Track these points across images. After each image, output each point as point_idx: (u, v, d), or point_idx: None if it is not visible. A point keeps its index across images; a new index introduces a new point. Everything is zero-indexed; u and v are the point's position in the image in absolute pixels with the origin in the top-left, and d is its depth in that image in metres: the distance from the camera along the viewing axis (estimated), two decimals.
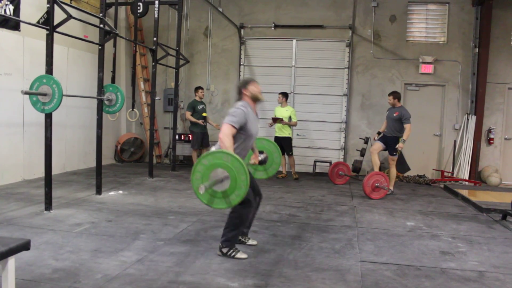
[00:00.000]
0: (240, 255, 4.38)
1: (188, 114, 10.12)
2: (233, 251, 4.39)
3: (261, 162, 4.76)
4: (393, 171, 8.63)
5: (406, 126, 8.17)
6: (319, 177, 10.53)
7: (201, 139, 10.09)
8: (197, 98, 10.18)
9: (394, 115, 8.32)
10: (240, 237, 4.78)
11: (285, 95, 9.99)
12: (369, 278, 3.98)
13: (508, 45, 10.65)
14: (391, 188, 8.47)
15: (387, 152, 8.62)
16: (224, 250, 4.40)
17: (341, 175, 9.62)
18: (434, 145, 11.18)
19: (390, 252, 4.79)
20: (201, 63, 11.86)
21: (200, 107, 10.13)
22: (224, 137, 4.13)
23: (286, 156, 9.99)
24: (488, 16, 10.38)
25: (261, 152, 4.85)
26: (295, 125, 9.91)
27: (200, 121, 10.03)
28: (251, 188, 4.34)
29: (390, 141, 8.40)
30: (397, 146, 8.25)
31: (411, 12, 11.12)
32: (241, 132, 4.31)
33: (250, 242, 4.87)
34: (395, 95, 8.48)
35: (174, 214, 6.15)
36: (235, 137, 4.26)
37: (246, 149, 4.51)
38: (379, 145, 8.50)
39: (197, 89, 10.24)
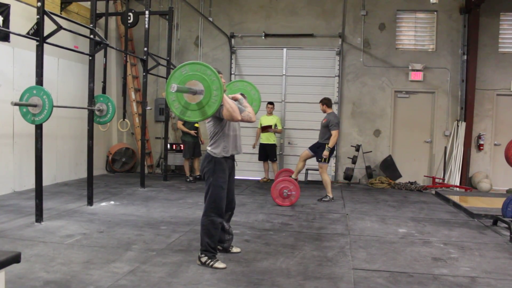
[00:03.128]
0: (218, 264, 4.35)
1: (180, 124, 10.19)
2: (211, 261, 4.36)
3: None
4: (325, 178, 8.35)
5: (332, 132, 8.07)
6: (311, 185, 10.54)
7: (193, 148, 10.13)
8: None
9: (323, 121, 8.32)
10: (223, 246, 4.80)
11: (273, 104, 10.17)
12: (361, 286, 3.98)
13: (496, 52, 10.78)
14: (330, 195, 8.35)
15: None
16: (203, 260, 4.39)
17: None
18: (425, 151, 11.25)
19: (383, 259, 4.79)
20: None
21: None
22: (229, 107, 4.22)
23: (270, 162, 10.21)
24: (475, 23, 10.51)
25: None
26: (280, 132, 10.32)
27: (192, 132, 10.06)
28: (225, 194, 4.46)
29: (318, 147, 8.32)
30: (322, 154, 8.11)
31: (400, 20, 11.23)
32: (218, 122, 4.40)
33: (234, 250, 4.87)
34: (323, 101, 8.43)
35: (166, 224, 6.12)
36: (215, 126, 4.40)
37: (233, 129, 4.54)
38: (307, 152, 8.49)
39: None
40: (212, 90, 3.96)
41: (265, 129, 9.87)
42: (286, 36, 11.41)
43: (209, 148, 4.52)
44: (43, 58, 5.80)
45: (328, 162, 8.30)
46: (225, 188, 4.49)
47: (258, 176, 10.90)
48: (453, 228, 6.37)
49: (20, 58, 8.02)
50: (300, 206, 7.83)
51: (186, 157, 10.25)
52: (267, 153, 10.45)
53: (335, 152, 8.52)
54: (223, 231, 4.70)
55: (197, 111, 4.06)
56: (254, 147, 10.51)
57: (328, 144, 8.07)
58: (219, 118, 4.36)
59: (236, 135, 4.60)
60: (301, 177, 10.89)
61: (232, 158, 4.65)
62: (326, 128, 8.18)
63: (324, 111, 8.43)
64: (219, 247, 4.69)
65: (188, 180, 10.25)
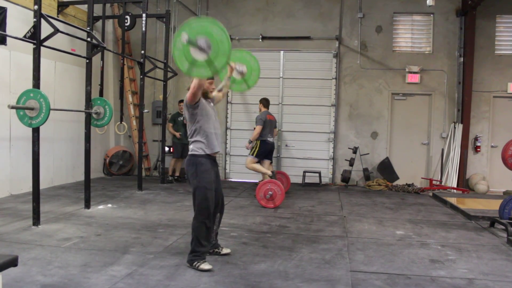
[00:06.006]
0: (204, 266, 4.33)
1: (169, 126, 10.56)
2: (197, 262, 4.35)
3: (241, 73, 4.87)
4: (253, 167, 8.60)
5: (255, 128, 8.65)
6: (309, 187, 10.54)
7: (181, 150, 10.37)
8: (179, 111, 10.45)
9: None
10: (214, 249, 4.81)
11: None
12: None
13: (492, 54, 10.82)
14: (268, 173, 8.47)
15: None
16: (191, 262, 4.40)
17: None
18: (422, 154, 11.27)
19: (380, 262, 4.80)
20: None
21: (179, 119, 10.45)
22: (192, 86, 4.26)
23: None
24: (472, 26, 10.56)
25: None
26: (276, 134, 10.15)
27: (177, 134, 10.43)
28: (213, 195, 4.44)
29: (250, 143, 8.86)
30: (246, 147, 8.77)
31: (396, 22, 11.26)
32: (198, 113, 4.43)
33: (224, 251, 4.87)
34: (261, 100, 9.11)
35: (164, 227, 6.11)
36: (194, 118, 4.44)
37: (213, 127, 4.54)
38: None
39: (179, 102, 10.60)
40: (220, 49, 3.91)
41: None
42: (283, 39, 11.43)
43: (191, 147, 4.50)
44: (40, 61, 5.79)
45: (255, 156, 8.62)
46: (212, 188, 4.44)
47: (256, 179, 10.89)
48: (451, 230, 6.39)
49: (17, 61, 8.01)
50: (298, 208, 7.83)
51: (174, 157, 10.58)
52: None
53: (270, 150, 8.73)
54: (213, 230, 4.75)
55: (206, 68, 3.97)
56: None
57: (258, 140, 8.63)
58: (193, 110, 4.41)
59: (216, 133, 4.58)
60: (299, 180, 10.91)
61: (214, 158, 4.64)
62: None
63: (260, 110, 8.99)
64: (209, 250, 4.71)
65: (168, 179, 10.48)
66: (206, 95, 4.60)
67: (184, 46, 3.91)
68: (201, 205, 4.40)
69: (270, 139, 8.74)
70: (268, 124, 8.70)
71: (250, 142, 8.67)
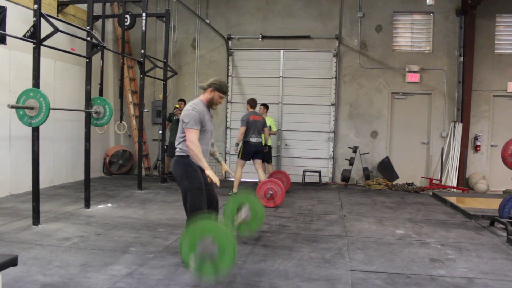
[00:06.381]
0: None
1: (167, 125, 10.76)
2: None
3: (243, 219, 4.88)
4: (236, 174, 8.77)
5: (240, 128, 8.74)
6: (309, 186, 10.54)
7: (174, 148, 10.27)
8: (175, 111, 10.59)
9: None
10: None
11: (266, 106, 10.24)
12: (359, 287, 3.99)
13: (492, 54, 10.82)
14: (234, 190, 8.66)
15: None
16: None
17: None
18: (422, 153, 11.27)
19: (380, 261, 4.80)
20: (189, 74, 11.88)
21: (175, 117, 10.48)
22: (192, 145, 4.19)
23: (266, 164, 10.18)
24: (471, 25, 10.56)
25: (241, 207, 4.94)
26: (275, 134, 10.32)
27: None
28: (205, 195, 4.40)
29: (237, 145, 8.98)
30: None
31: (396, 22, 11.26)
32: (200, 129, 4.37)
33: None
34: (247, 101, 9.16)
35: (164, 226, 6.11)
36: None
37: (205, 143, 4.50)
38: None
39: (179, 101, 10.78)
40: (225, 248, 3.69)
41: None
42: (283, 38, 11.43)
43: (179, 146, 4.45)
44: (39, 61, 5.79)
45: (240, 158, 8.69)
46: (202, 188, 4.40)
47: (256, 178, 10.88)
48: (450, 229, 6.39)
49: (16, 61, 8.01)
50: (298, 207, 7.83)
51: (168, 156, 10.61)
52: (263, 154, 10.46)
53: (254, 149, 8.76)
54: None
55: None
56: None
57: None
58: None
59: (207, 149, 4.55)
60: (299, 179, 10.91)
61: None
62: None
63: (247, 110, 9.03)
64: None
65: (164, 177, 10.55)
66: (211, 105, 4.56)
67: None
68: (195, 206, 4.34)
69: (253, 140, 8.63)
70: (252, 125, 8.65)
71: (237, 144, 8.70)
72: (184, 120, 4.30)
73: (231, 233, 3.78)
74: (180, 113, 10.15)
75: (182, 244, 3.79)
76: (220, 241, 3.66)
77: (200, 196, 4.36)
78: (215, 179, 4.24)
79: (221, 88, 4.50)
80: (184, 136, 4.36)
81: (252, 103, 9.05)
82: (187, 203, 4.40)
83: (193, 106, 4.36)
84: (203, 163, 4.24)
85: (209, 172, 4.23)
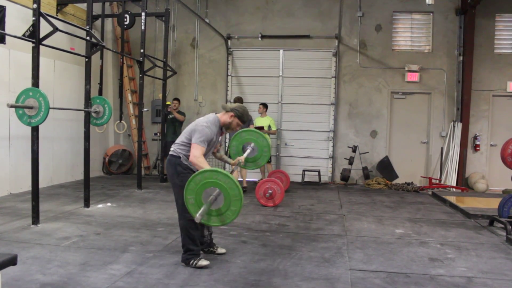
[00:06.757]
0: (202, 262, 4.34)
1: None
2: (194, 260, 4.35)
3: (250, 155, 4.84)
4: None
5: None
6: (308, 186, 10.55)
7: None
8: (170, 110, 10.54)
9: None
10: (209, 248, 4.80)
11: (265, 105, 10.21)
12: (359, 286, 3.99)
13: (492, 53, 10.82)
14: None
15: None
16: (186, 261, 4.39)
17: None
18: (422, 152, 11.27)
19: (380, 260, 4.80)
20: (189, 74, 11.87)
21: (169, 116, 10.49)
22: (195, 160, 4.14)
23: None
24: (471, 24, 10.55)
25: (248, 144, 4.90)
26: (274, 133, 10.28)
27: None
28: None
29: None
30: None
31: (396, 21, 11.26)
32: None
33: (219, 250, 4.85)
34: (234, 100, 9.50)
35: (163, 225, 6.11)
36: (189, 145, 4.32)
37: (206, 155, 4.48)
38: None
39: (174, 100, 10.71)
40: (231, 196, 3.80)
41: (258, 130, 9.89)
42: (283, 38, 11.43)
43: (174, 147, 4.44)
44: (39, 60, 5.79)
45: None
46: None
47: (255, 178, 10.89)
48: (450, 229, 6.39)
49: (16, 60, 8.00)
50: (297, 207, 7.83)
51: (165, 156, 10.46)
52: None
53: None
54: (202, 227, 4.66)
55: (216, 217, 3.91)
56: None
57: None
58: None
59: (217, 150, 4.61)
60: (298, 178, 10.92)
61: None
62: None
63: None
64: (204, 249, 4.73)
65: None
66: (227, 129, 4.53)
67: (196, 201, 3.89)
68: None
69: None
70: None
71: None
72: (195, 134, 4.25)
73: (240, 189, 3.81)
74: (175, 111, 10.22)
75: (187, 192, 3.87)
76: (228, 194, 3.76)
77: None
78: None
79: (242, 117, 4.46)
80: (187, 144, 4.35)
81: (238, 101, 9.22)
82: (178, 200, 4.39)
83: (209, 125, 4.31)
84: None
85: None
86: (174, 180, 4.40)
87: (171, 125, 10.41)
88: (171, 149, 4.48)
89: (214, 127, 4.37)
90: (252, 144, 5.20)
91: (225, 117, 4.46)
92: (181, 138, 4.45)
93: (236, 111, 4.44)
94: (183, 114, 10.57)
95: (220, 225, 4.01)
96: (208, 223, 3.97)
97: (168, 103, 10.51)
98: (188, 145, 4.34)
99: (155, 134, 11.26)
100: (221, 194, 3.81)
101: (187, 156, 4.33)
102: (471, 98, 10.71)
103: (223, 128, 4.52)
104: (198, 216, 3.78)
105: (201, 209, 3.79)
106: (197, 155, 4.16)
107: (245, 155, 4.95)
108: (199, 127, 4.28)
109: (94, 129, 8.33)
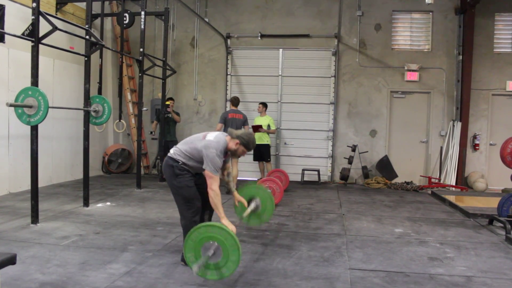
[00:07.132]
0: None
1: (153, 125, 10.90)
2: None
3: (253, 211, 4.78)
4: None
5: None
6: (307, 185, 10.55)
7: (166, 147, 10.18)
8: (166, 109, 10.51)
9: None
10: None
11: (264, 105, 10.16)
12: (358, 286, 3.99)
13: (491, 52, 10.83)
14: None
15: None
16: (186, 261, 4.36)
17: None
18: (421, 152, 11.28)
19: (379, 259, 4.80)
20: (188, 73, 11.87)
21: (166, 116, 10.45)
22: (213, 193, 4.07)
23: (264, 162, 10.16)
24: (471, 24, 10.56)
25: (252, 200, 4.84)
26: (274, 133, 10.21)
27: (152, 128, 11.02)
28: (199, 194, 4.36)
29: None
30: None
31: (395, 20, 11.26)
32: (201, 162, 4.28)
33: None
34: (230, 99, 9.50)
35: (163, 225, 6.11)
36: (192, 158, 4.29)
37: (196, 169, 4.43)
38: None
39: (168, 99, 10.64)
40: (228, 246, 3.69)
41: (257, 129, 9.86)
42: (282, 37, 11.43)
43: (173, 150, 4.42)
44: (38, 59, 5.78)
45: None
46: (193, 185, 4.35)
47: (255, 177, 10.89)
48: (449, 228, 6.39)
49: (15, 59, 8.00)
50: (296, 206, 7.83)
51: (159, 153, 10.68)
52: (261, 153, 10.41)
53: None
54: None
55: (214, 271, 3.77)
56: None
57: None
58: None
59: (200, 167, 4.41)
60: (298, 178, 10.91)
61: None
62: None
63: (230, 107, 9.27)
64: None
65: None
66: (233, 155, 4.46)
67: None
68: (186, 203, 4.32)
69: None
70: (229, 122, 8.73)
71: None
72: (207, 160, 4.15)
73: (236, 238, 3.71)
74: (171, 110, 10.19)
75: (186, 250, 3.77)
76: (225, 246, 3.65)
77: (191, 192, 4.32)
78: (232, 228, 3.98)
79: (248, 145, 4.36)
80: (189, 155, 4.30)
81: (234, 101, 9.24)
82: (178, 200, 4.37)
83: (218, 152, 4.19)
84: (220, 212, 4.11)
85: (224, 221, 4.04)
86: (172, 182, 4.37)
87: (166, 124, 10.39)
88: (171, 151, 4.45)
89: (223, 153, 4.27)
90: (257, 199, 5.06)
91: (231, 144, 4.35)
92: (184, 147, 4.37)
93: (242, 139, 4.31)
94: (177, 114, 10.54)
95: (218, 279, 3.80)
96: (206, 276, 3.78)
97: (167, 102, 10.51)
98: (190, 157, 4.29)
99: (151, 132, 11.24)
100: (219, 247, 3.71)
101: (185, 164, 4.31)
102: (470, 97, 10.71)
103: (230, 153, 4.43)
104: (195, 268, 3.66)
105: (199, 261, 3.70)
106: (213, 188, 4.08)
107: (249, 210, 4.87)
108: (210, 153, 4.15)
109: (94, 128, 8.32)
